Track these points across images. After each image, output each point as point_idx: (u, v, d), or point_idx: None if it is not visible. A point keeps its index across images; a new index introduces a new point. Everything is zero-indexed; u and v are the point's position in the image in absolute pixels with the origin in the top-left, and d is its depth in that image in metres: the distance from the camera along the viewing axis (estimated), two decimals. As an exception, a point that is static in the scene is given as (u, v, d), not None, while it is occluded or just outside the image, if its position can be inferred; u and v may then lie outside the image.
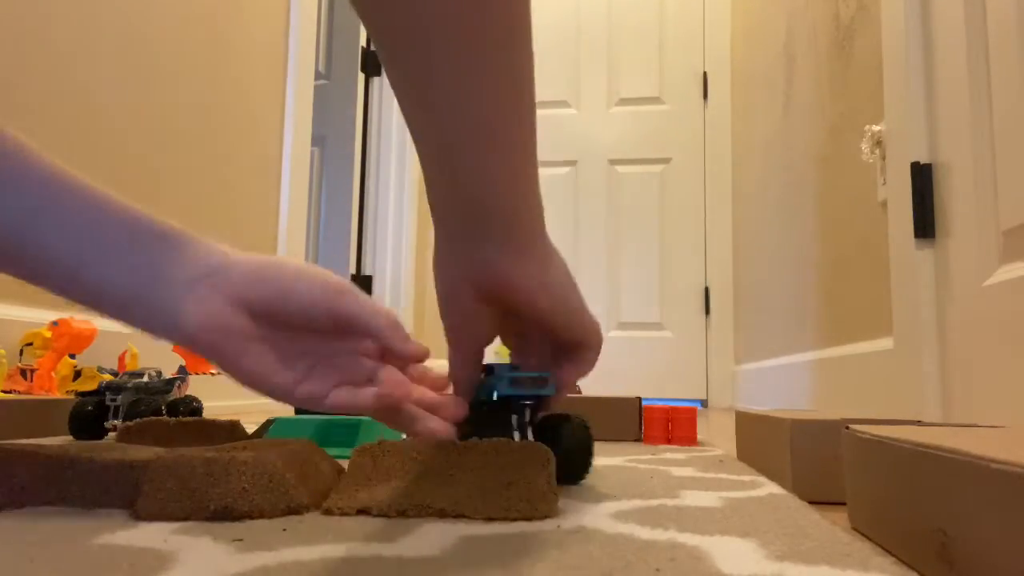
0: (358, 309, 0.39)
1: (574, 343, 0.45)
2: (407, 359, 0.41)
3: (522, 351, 0.47)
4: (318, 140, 2.48)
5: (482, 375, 0.46)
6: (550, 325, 0.43)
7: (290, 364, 0.38)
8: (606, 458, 0.69)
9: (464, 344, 0.43)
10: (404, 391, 0.39)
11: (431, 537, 0.33)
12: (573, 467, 0.50)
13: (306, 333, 0.39)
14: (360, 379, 0.39)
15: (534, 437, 0.47)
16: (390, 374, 0.39)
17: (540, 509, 0.38)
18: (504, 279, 0.40)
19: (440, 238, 0.40)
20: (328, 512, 0.39)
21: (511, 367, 0.46)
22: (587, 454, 0.51)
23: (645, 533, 0.35)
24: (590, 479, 0.53)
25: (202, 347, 0.37)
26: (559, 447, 0.48)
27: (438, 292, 0.42)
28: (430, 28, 0.32)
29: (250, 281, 0.38)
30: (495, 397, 0.46)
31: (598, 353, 0.46)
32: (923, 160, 1.02)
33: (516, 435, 0.46)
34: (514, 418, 0.47)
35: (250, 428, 0.71)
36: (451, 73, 0.34)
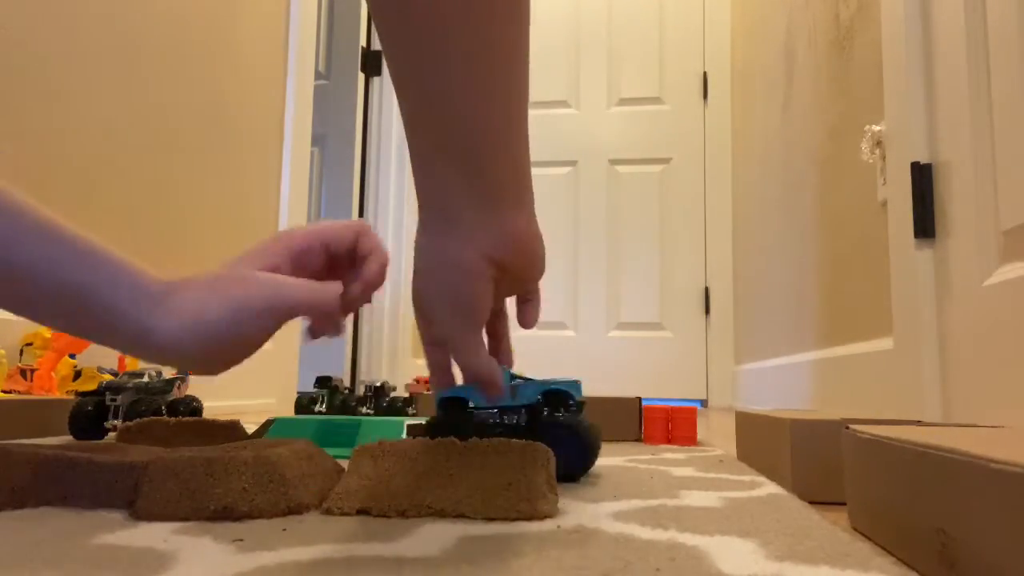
0: (294, 304, 0.42)
1: (533, 287, 0.46)
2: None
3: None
4: (318, 140, 2.48)
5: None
6: (532, 278, 0.43)
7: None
8: (606, 458, 0.69)
9: (477, 328, 0.42)
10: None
11: (431, 537, 0.33)
12: (570, 464, 0.51)
13: None
14: None
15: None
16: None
17: (540, 509, 0.38)
18: (521, 242, 0.39)
19: (439, 219, 0.38)
20: (328, 512, 0.39)
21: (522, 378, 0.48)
22: (586, 452, 0.52)
23: (645, 533, 0.35)
24: (590, 479, 0.53)
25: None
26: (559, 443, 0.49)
27: (445, 278, 0.39)
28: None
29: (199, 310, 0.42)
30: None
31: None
32: (923, 160, 1.02)
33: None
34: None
35: (250, 428, 0.71)
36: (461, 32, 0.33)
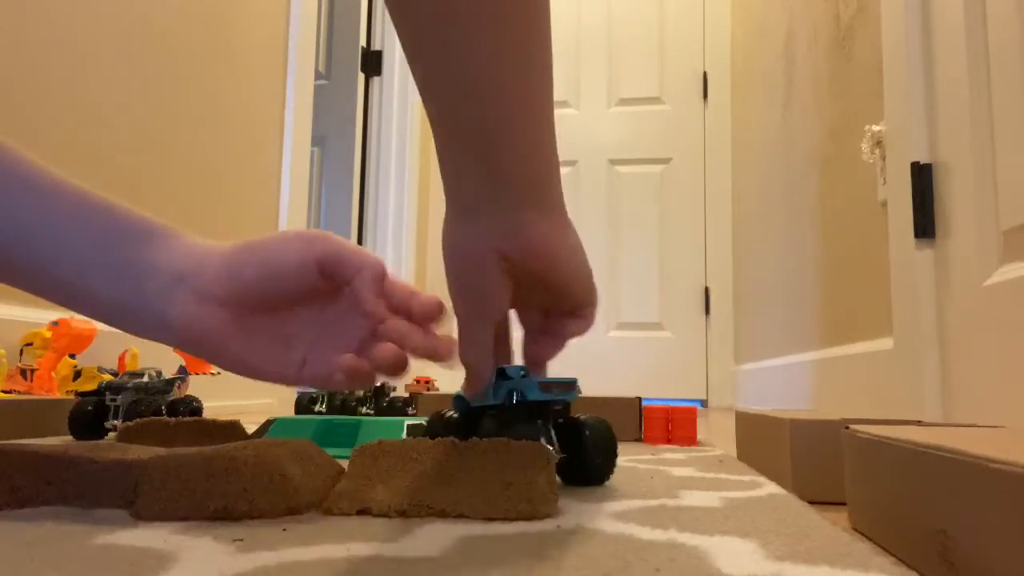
0: (337, 248, 0.38)
1: (579, 303, 0.44)
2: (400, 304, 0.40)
3: (522, 321, 0.46)
4: (318, 140, 2.48)
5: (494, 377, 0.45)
6: (565, 289, 0.43)
7: (289, 347, 0.39)
8: (606, 458, 0.69)
9: (482, 322, 0.41)
10: (409, 343, 0.39)
11: (431, 537, 0.33)
12: (596, 468, 0.50)
13: (299, 307, 0.39)
14: (364, 339, 0.40)
15: (556, 440, 0.48)
16: (395, 325, 0.39)
17: (540, 509, 0.38)
18: (538, 244, 0.39)
19: (458, 209, 0.38)
20: (328, 512, 0.39)
21: (523, 369, 0.46)
22: (612, 455, 0.51)
23: (645, 533, 0.35)
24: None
25: (193, 349, 0.38)
26: (582, 449, 0.49)
27: (454, 266, 0.40)
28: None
29: (224, 276, 0.37)
30: (515, 399, 0.45)
31: (596, 308, 0.46)
32: (923, 160, 1.02)
33: (543, 440, 0.45)
34: (539, 423, 0.47)
35: (250, 428, 0.71)
36: (479, 36, 0.33)
